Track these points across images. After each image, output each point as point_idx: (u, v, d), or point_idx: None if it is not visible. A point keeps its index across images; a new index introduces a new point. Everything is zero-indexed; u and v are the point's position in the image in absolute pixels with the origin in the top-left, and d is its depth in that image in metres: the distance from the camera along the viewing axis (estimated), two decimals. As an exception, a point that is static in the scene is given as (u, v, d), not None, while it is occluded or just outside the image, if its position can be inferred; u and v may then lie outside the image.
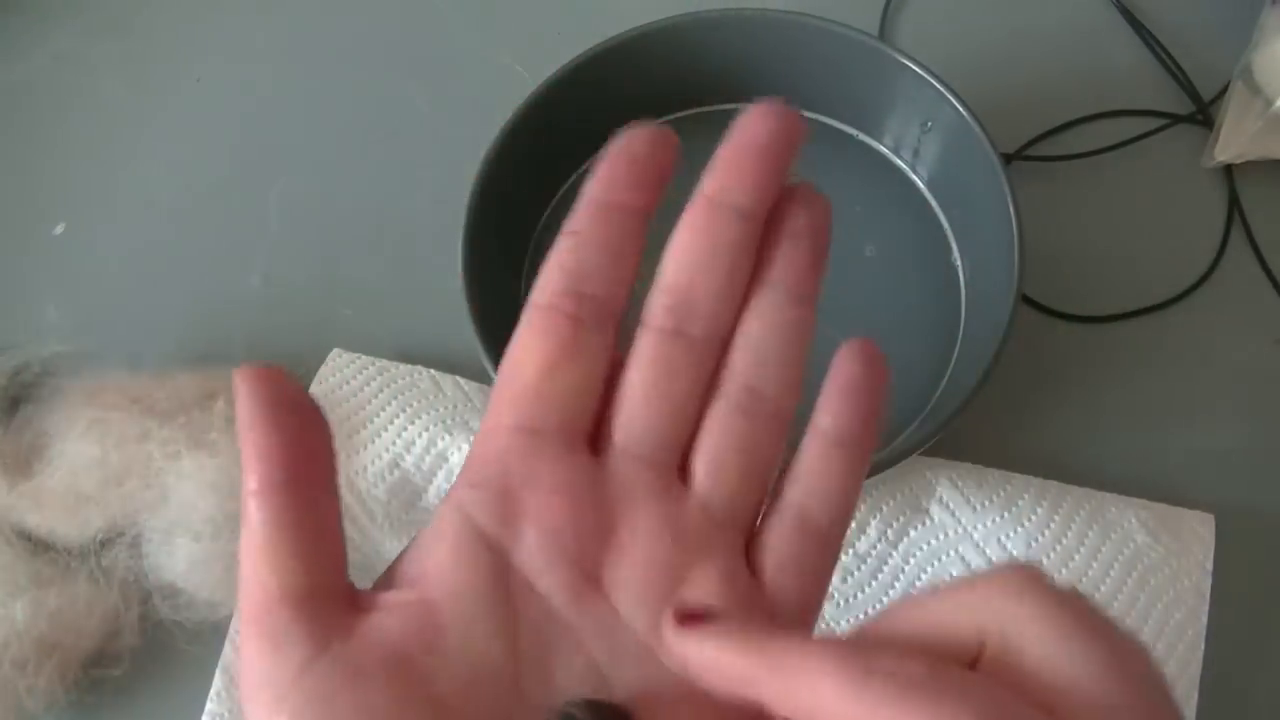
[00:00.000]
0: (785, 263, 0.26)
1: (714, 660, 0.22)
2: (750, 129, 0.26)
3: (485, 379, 0.45)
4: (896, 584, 0.43)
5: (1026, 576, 0.21)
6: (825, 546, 0.26)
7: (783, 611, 0.25)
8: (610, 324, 0.25)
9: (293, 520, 0.23)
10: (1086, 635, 0.21)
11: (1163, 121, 0.52)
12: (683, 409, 0.25)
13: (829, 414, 0.26)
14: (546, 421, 0.24)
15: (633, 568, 0.24)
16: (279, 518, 0.23)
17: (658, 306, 0.26)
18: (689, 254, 0.26)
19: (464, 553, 0.24)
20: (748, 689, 0.22)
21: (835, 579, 0.43)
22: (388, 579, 0.24)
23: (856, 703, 0.20)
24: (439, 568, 0.24)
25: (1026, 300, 0.48)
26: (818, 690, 0.21)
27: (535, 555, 0.24)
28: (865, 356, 0.26)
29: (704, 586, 0.24)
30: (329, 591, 0.24)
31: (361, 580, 0.45)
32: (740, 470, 0.26)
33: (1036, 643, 0.20)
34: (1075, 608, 0.21)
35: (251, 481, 0.23)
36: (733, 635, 0.22)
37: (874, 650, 0.21)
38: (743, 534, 0.26)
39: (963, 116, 0.44)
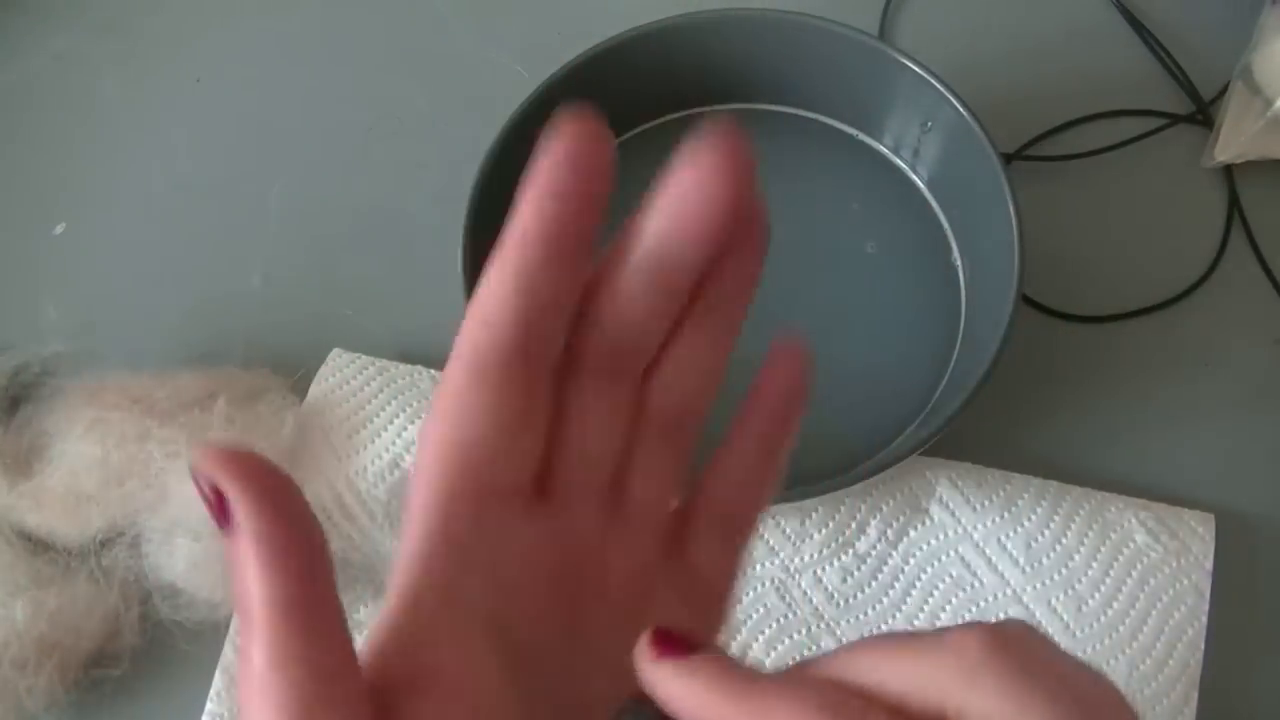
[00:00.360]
0: (727, 285, 0.25)
1: (689, 697, 0.22)
2: (702, 176, 0.23)
3: (485, 379, 0.45)
4: (896, 584, 0.43)
5: (981, 649, 0.21)
6: (748, 535, 0.27)
7: (705, 592, 0.26)
8: (556, 359, 0.24)
9: (317, 636, 0.22)
10: (1048, 705, 0.20)
11: (1163, 121, 0.52)
12: (624, 436, 0.25)
13: (759, 422, 0.27)
14: (510, 484, 0.24)
15: (614, 605, 0.25)
16: (301, 640, 0.21)
17: (601, 347, 0.24)
18: (633, 300, 0.24)
19: (478, 644, 0.23)
20: None
21: (835, 579, 0.43)
22: (378, 677, 0.23)
23: None
24: (458, 667, 0.22)
25: (1026, 300, 0.48)
26: None
27: (538, 623, 0.24)
28: (795, 365, 0.27)
29: (669, 609, 0.25)
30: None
31: (363, 579, 0.45)
32: (668, 482, 0.26)
33: None
34: (1033, 677, 0.21)
35: (262, 617, 0.21)
36: (711, 674, 0.22)
37: (859, 710, 0.21)
38: (670, 533, 0.26)
39: (963, 116, 0.44)
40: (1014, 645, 0.21)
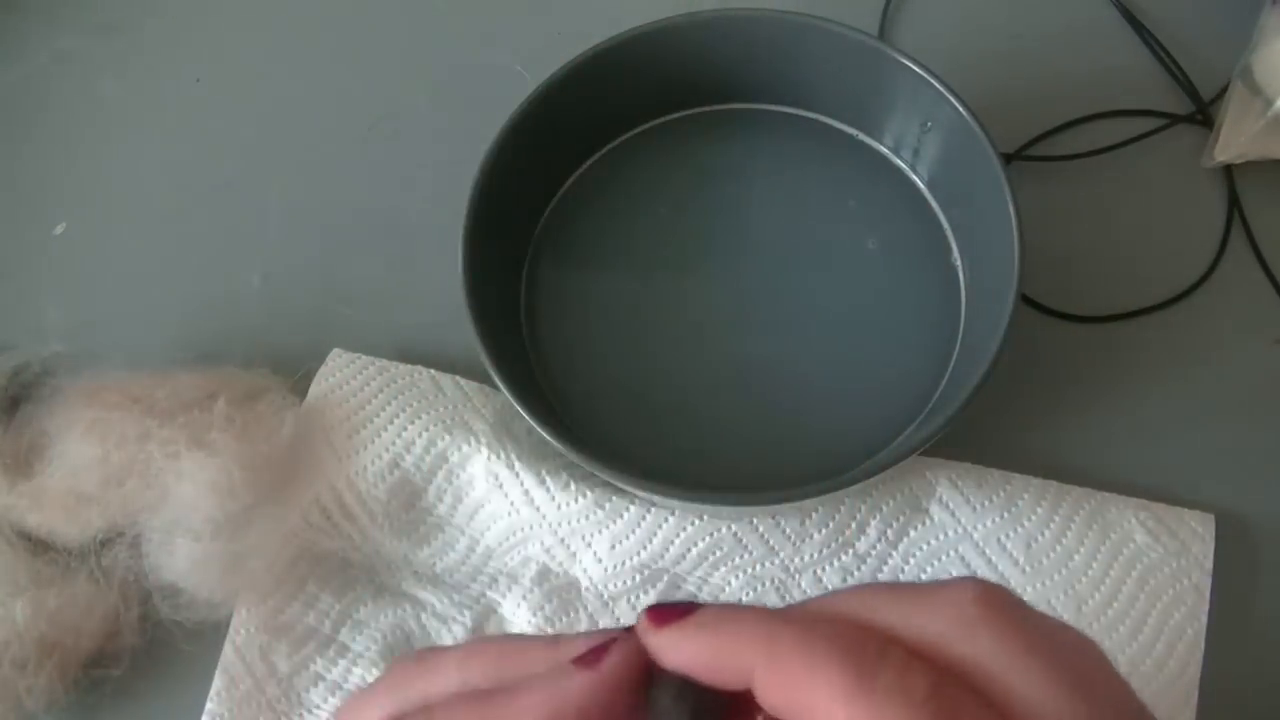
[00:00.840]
0: None
1: (703, 654, 0.22)
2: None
3: (485, 379, 0.45)
4: (896, 584, 0.43)
5: (976, 604, 0.21)
6: None
7: None
8: None
9: None
10: (1039, 657, 0.21)
11: (1163, 121, 0.52)
12: None
13: None
14: None
15: None
16: None
17: None
18: None
19: None
20: (738, 677, 0.22)
21: (835, 579, 0.43)
22: None
23: (858, 712, 0.20)
24: None
25: (1026, 300, 0.48)
26: (818, 691, 0.20)
27: None
28: None
29: None
30: None
31: (363, 579, 0.45)
32: None
33: (996, 681, 0.21)
34: (1026, 632, 0.21)
35: None
36: (718, 627, 0.22)
37: (876, 655, 0.21)
38: None
39: (963, 116, 0.44)
40: (1007, 604, 0.21)
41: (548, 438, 0.41)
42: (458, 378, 0.47)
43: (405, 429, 0.45)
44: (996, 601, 0.21)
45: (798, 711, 0.21)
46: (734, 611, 0.22)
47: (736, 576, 0.44)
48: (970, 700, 0.20)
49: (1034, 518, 0.43)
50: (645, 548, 0.44)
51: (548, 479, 0.44)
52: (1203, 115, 0.52)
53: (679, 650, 0.22)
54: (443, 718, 0.23)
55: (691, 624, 0.22)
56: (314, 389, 0.47)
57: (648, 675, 0.23)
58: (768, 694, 0.21)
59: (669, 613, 0.23)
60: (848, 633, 0.21)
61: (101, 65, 0.59)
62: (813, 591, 0.43)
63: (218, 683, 0.43)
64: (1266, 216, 0.50)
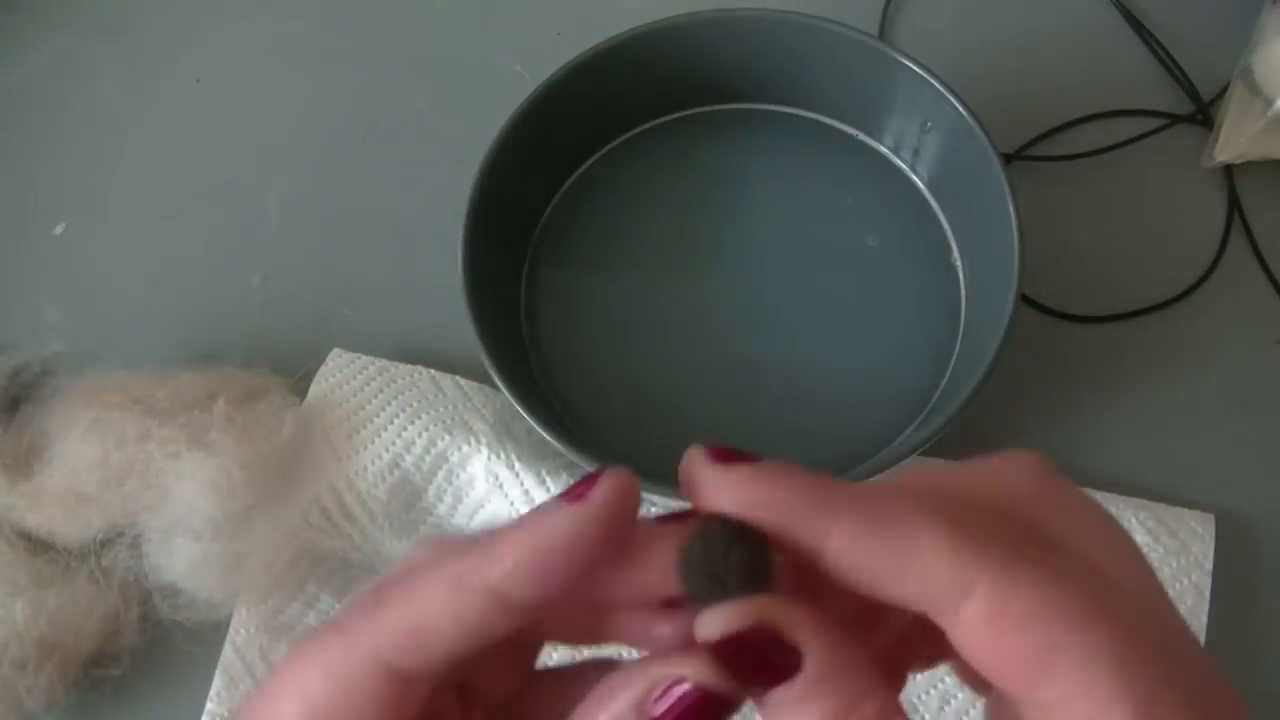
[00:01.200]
0: None
1: (773, 497, 0.20)
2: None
3: (485, 379, 0.45)
4: (896, 584, 0.43)
5: (1041, 463, 0.22)
6: None
7: None
8: None
9: None
10: (1100, 530, 0.22)
11: (1163, 121, 0.52)
12: None
13: None
14: None
15: None
16: None
17: None
18: None
19: None
20: (811, 529, 0.20)
21: (835, 579, 0.43)
22: None
23: (955, 555, 0.19)
24: None
25: (1026, 300, 0.48)
26: (914, 541, 0.19)
27: None
28: None
29: None
30: None
31: (363, 579, 0.45)
32: None
33: (1062, 541, 0.21)
34: (1083, 505, 0.22)
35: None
36: (792, 473, 0.20)
37: (961, 508, 0.20)
38: None
39: (963, 116, 0.44)
40: (1059, 474, 0.22)
41: (548, 438, 0.41)
42: (458, 378, 0.47)
43: (405, 429, 0.45)
44: (1052, 471, 0.22)
45: (886, 568, 0.19)
46: (803, 467, 0.20)
47: (736, 576, 0.43)
48: (1049, 547, 0.20)
49: (1034, 518, 0.43)
50: (645, 548, 0.44)
51: (548, 479, 0.44)
52: (1203, 115, 0.52)
53: (745, 490, 0.20)
54: (421, 567, 0.21)
55: (760, 466, 0.20)
56: (314, 389, 0.47)
57: (635, 515, 0.20)
58: (852, 549, 0.19)
59: (732, 451, 0.20)
60: (925, 493, 0.20)
61: (101, 65, 0.59)
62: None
63: (218, 683, 0.43)
64: (1266, 216, 0.50)
